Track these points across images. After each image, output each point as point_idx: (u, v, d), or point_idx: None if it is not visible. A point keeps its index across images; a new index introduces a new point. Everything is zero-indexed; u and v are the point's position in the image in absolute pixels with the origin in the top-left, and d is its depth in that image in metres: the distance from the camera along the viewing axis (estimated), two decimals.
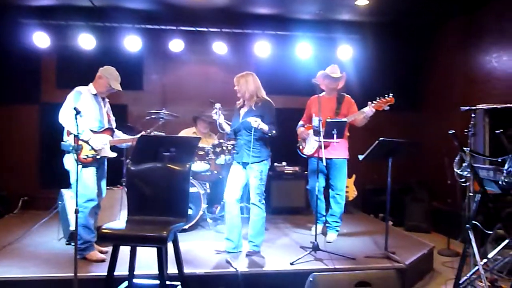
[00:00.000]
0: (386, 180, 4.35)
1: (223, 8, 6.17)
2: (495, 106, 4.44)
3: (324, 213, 5.04)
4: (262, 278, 3.81)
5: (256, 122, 4.01)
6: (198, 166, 5.34)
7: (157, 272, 2.98)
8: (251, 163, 4.16)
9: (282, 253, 4.35)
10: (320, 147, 4.24)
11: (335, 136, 4.29)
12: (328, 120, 4.38)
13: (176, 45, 6.56)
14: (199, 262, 4.00)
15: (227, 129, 4.45)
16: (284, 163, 6.53)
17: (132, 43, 6.41)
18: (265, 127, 4.08)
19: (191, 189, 5.12)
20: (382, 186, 4.47)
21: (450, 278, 4.02)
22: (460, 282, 3.71)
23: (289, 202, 5.90)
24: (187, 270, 3.46)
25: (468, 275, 3.75)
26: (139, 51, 6.58)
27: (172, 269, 3.29)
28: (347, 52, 6.85)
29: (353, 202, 6.64)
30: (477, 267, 3.54)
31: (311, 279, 3.43)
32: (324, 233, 5.02)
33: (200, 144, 5.27)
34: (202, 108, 5.84)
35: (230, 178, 4.32)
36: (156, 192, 3.20)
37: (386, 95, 4.63)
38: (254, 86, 4.21)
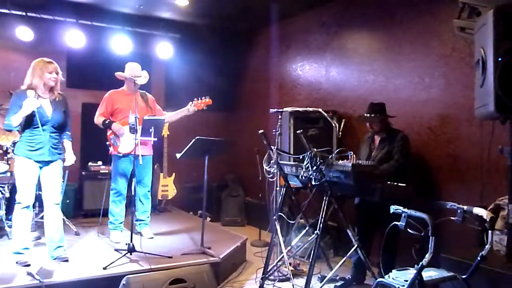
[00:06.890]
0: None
1: None
2: (297, 109, 5.00)
3: (124, 219, 4.88)
4: (71, 287, 3.49)
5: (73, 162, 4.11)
6: None
7: None
8: (55, 160, 3.87)
9: (95, 258, 4.06)
10: (136, 145, 4.11)
11: (152, 134, 4.20)
12: (145, 118, 4.27)
13: None
14: None
15: None
16: (100, 163, 6.15)
17: None
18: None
19: None
20: (201, 183, 4.56)
21: (261, 266, 4.33)
22: (268, 269, 4.04)
23: (104, 204, 5.54)
24: None
25: (275, 262, 4.12)
26: None
27: None
28: (167, 50, 6.80)
29: (172, 201, 6.66)
30: (282, 254, 3.91)
31: (124, 282, 3.31)
32: (138, 232, 4.86)
33: None
34: (0, 101, 5.10)
35: (26, 179, 3.75)
36: None
37: (203, 97, 4.77)
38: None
